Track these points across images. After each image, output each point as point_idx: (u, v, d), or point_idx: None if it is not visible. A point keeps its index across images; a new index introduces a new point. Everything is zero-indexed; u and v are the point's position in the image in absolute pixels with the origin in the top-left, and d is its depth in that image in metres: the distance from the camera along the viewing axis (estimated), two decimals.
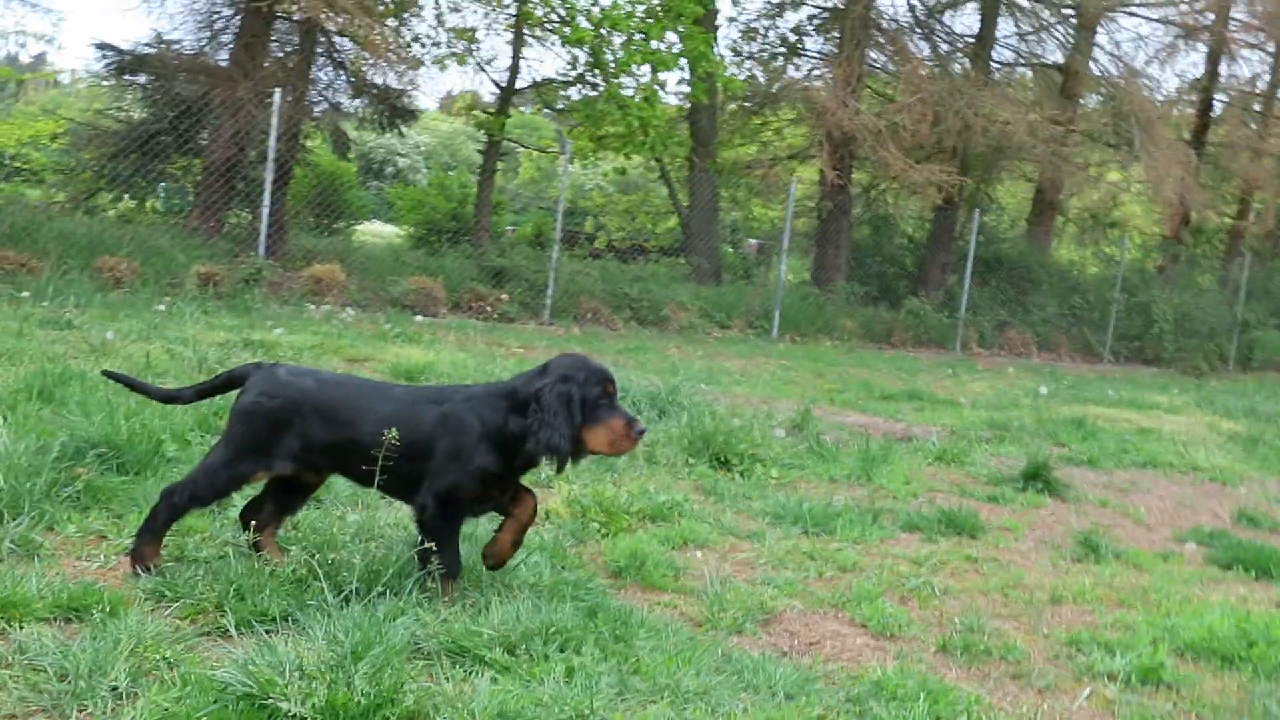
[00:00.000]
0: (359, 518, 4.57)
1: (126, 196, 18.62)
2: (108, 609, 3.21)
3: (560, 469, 3.70)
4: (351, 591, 3.53)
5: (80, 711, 2.75)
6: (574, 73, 19.04)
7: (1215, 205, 26.83)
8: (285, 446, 3.74)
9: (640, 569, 4.44)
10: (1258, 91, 27.78)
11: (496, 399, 3.72)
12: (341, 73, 19.13)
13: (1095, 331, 22.10)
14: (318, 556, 3.64)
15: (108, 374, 4.36)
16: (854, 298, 20.34)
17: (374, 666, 2.86)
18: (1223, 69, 27.42)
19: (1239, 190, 27.84)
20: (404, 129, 20.83)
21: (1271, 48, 26.62)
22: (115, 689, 2.82)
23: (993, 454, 8.51)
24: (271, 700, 2.70)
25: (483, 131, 18.99)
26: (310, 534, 4.13)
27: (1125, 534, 6.30)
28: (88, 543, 4.03)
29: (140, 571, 3.67)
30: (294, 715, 2.66)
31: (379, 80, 18.84)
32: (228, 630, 3.29)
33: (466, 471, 3.66)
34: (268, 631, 3.28)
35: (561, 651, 3.36)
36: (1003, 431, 9.67)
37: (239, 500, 4.56)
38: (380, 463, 3.60)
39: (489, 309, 15.36)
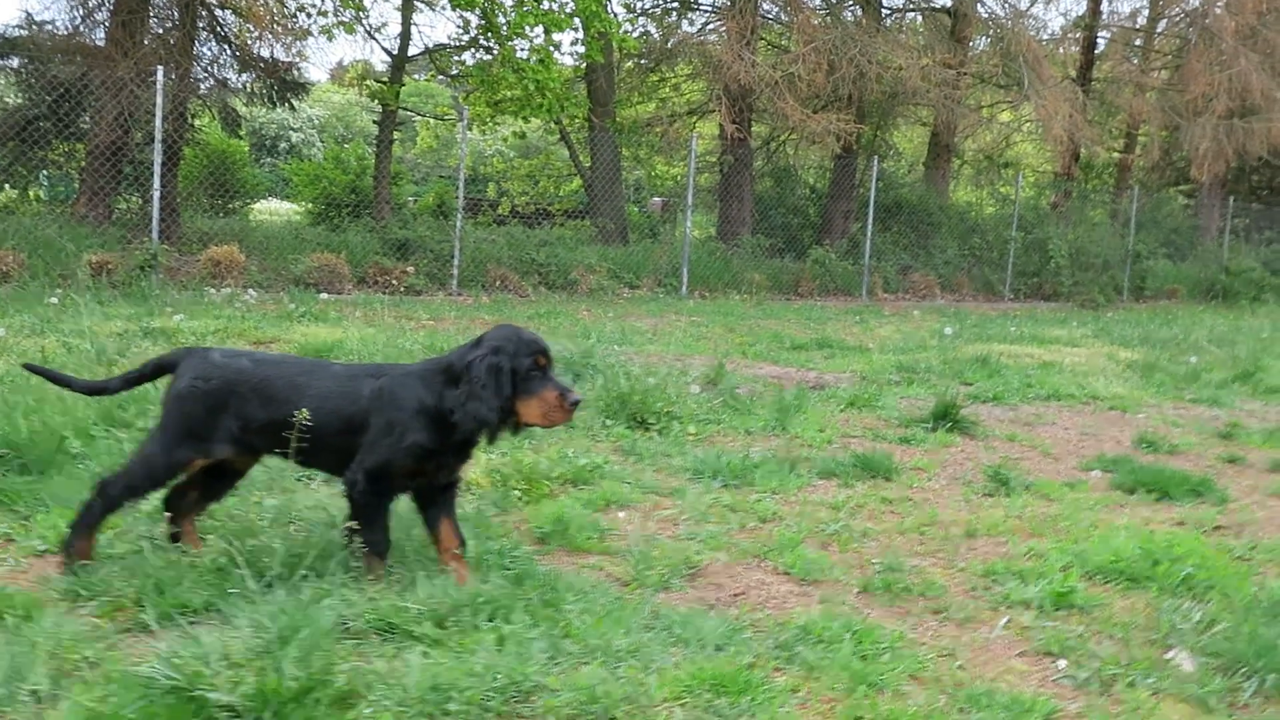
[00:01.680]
0: (277, 502, 4.50)
1: (7, 186, 17.94)
2: (21, 612, 3.14)
3: (491, 440, 3.64)
4: (274, 577, 3.49)
5: (0, 718, 2.68)
6: (466, 37, 18.78)
7: (1103, 140, 27.53)
8: (224, 429, 3.69)
9: (565, 533, 4.46)
10: (1138, 27, 28.51)
11: (433, 374, 3.66)
12: (226, 47, 18.62)
13: (995, 270, 22.60)
14: (237, 544, 3.59)
15: (29, 367, 4.20)
16: (760, 250, 20.48)
17: (302, 650, 2.84)
18: (1104, 6, 28.14)
19: (1125, 124, 28.61)
20: (295, 103, 20.38)
21: None
22: (35, 692, 2.77)
23: (902, 396, 8.68)
24: (200, 691, 2.67)
25: (376, 101, 18.63)
26: (228, 521, 4.06)
27: (1033, 466, 6.50)
28: None
29: (72, 568, 3.58)
30: (224, 705, 2.64)
31: (266, 53, 18.40)
32: (149, 625, 3.24)
33: (400, 448, 3.58)
34: (191, 623, 3.23)
35: (491, 621, 3.37)
36: (911, 374, 9.87)
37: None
38: (315, 440, 3.59)
39: (395, 282, 15.15)
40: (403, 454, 3.59)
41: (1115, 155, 29.99)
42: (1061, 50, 27.54)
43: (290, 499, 4.58)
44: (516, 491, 5.06)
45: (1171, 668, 3.58)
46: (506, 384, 3.53)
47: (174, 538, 3.84)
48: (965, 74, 22.45)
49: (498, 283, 16.21)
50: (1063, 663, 3.59)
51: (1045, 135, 22.90)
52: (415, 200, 25.31)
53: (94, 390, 4.19)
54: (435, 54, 20.55)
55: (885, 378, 9.63)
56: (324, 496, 4.67)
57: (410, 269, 15.54)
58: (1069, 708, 3.25)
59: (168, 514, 3.86)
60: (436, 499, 3.76)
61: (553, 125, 22.64)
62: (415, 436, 3.59)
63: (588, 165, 22.32)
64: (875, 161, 21.13)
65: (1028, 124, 26.62)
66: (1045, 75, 21.80)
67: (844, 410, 7.96)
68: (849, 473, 5.90)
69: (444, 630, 3.28)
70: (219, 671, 2.72)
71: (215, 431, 3.68)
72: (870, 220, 20.57)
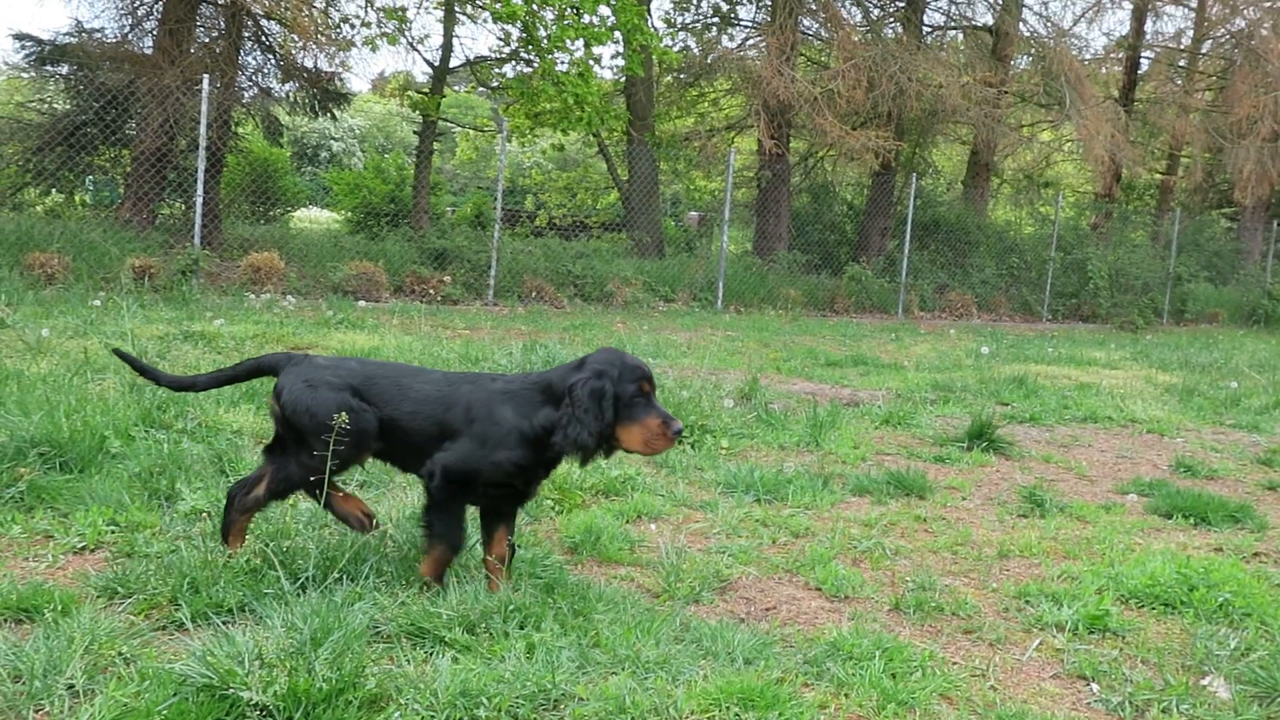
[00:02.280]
0: (312, 505, 4.54)
1: (54, 190, 18.23)
2: (59, 608, 3.18)
3: (584, 463, 3.62)
4: (308, 579, 3.52)
5: (37, 711, 2.72)
6: (507, 50, 18.93)
7: (1145, 161, 27.30)
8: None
9: (596, 544, 4.47)
10: (1182, 48, 28.28)
11: (532, 391, 3.64)
12: (270, 57, 18.84)
13: (1033, 291, 22.44)
14: (271, 545, 3.63)
15: (118, 353, 4.18)
16: (796, 266, 20.46)
17: (334, 652, 2.86)
18: (1148, 26, 27.92)
19: (1167, 146, 28.36)
20: (336, 112, 20.58)
21: (1194, 3, 27.08)
22: (72, 687, 2.80)
23: (938, 415, 8.63)
24: (232, 690, 2.69)
25: (417, 112, 18.79)
26: (263, 523, 4.10)
27: (1068, 488, 6.44)
28: (34, 543, 3.98)
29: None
30: (256, 704, 2.66)
31: (309, 63, 18.61)
32: (183, 624, 3.27)
33: (490, 460, 3.56)
34: (224, 623, 3.27)
35: (521, 629, 3.38)
36: (947, 393, 9.82)
37: (188, 494, 4.54)
38: (411, 442, 3.67)
39: (432, 291, 15.25)
40: (491, 467, 3.56)
41: (1157, 176, 29.73)
42: (1104, 70, 27.39)
43: None
44: (549, 501, 5.07)
45: (1207, 695, 3.53)
46: (609, 409, 3.48)
47: (225, 529, 3.86)
48: (1006, 92, 22.35)
49: (533, 294, 16.28)
50: (1095, 687, 3.55)
51: (1086, 155, 22.74)
52: (453, 210, 25.48)
53: (180, 386, 4.14)
54: (476, 66, 20.70)
55: (921, 396, 9.57)
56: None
57: (447, 278, 15.64)
58: None
59: (229, 500, 3.87)
60: (502, 507, 3.75)
61: (591, 138, 22.74)
62: (507, 453, 3.56)
63: (625, 178, 22.39)
64: (914, 179, 21.06)
65: (1068, 144, 26.45)
66: (1087, 95, 21.67)
67: (878, 428, 7.92)
68: (882, 490, 5.87)
69: (474, 636, 3.29)
70: (251, 671, 2.74)
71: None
72: (907, 238, 20.49)
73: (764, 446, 6.85)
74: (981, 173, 24.88)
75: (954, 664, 3.62)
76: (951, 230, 22.64)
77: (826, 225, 23.36)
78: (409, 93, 19.21)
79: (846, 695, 3.23)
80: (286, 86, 19.63)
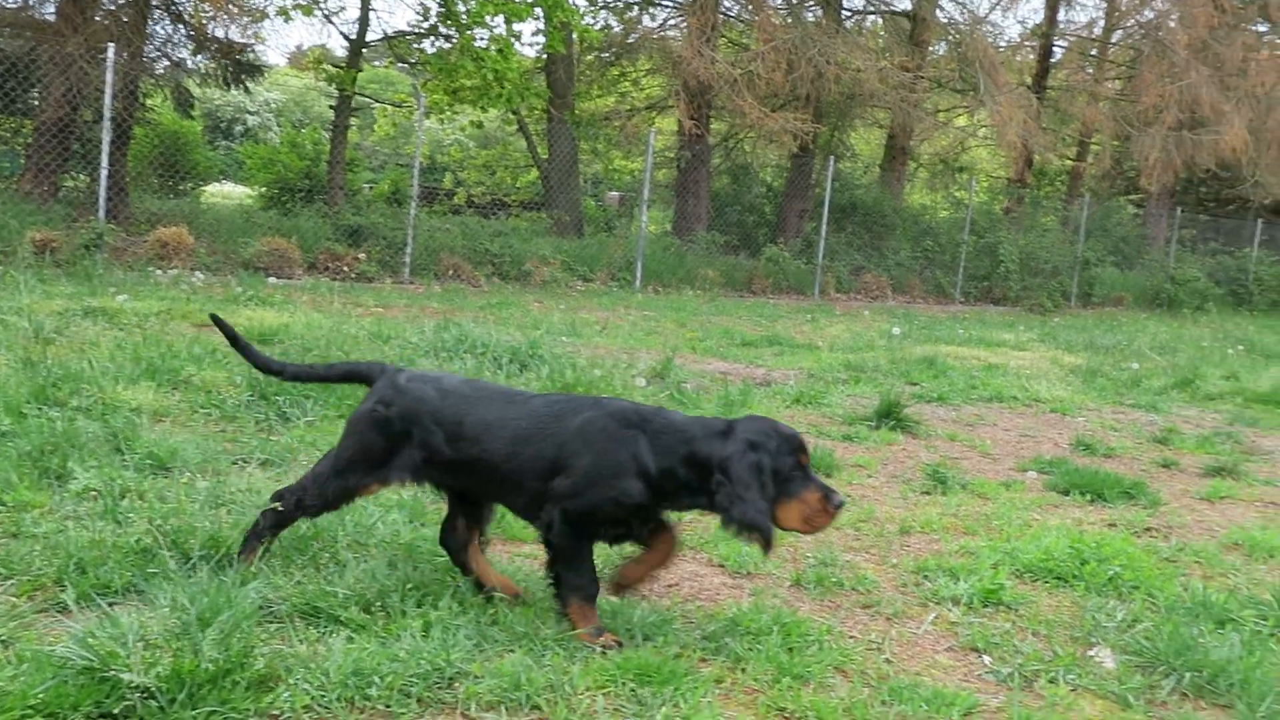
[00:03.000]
0: (209, 484, 4.45)
1: None
2: None
3: (768, 548, 3.19)
4: (199, 559, 3.45)
5: None
6: (426, 25, 18.66)
7: (1056, 148, 27.88)
8: (405, 459, 3.46)
9: (501, 522, 4.44)
10: (1093, 37, 28.89)
11: (669, 438, 3.30)
12: (180, 26, 18.35)
13: (947, 273, 22.81)
14: (161, 525, 3.55)
15: (214, 319, 3.96)
16: (715, 247, 20.55)
17: (222, 632, 2.81)
18: (1061, 15, 28.47)
19: (1078, 133, 28.98)
20: (250, 85, 20.12)
21: None
22: None
23: (848, 395, 8.74)
24: (113, 672, 2.63)
25: (333, 86, 18.45)
26: (156, 503, 4.01)
27: (971, 465, 6.57)
28: None
29: (241, 573, 3.40)
30: (137, 686, 2.60)
31: (221, 34, 18.13)
32: (67, 605, 3.18)
33: (609, 498, 3.27)
34: (110, 604, 3.19)
35: (419, 607, 3.35)
36: (858, 373, 9.95)
37: (81, 473, 4.42)
38: (510, 482, 3.38)
39: (346, 269, 15.03)
40: (610, 504, 3.28)
41: (1068, 163, 30.38)
42: (1018, 57, 27.86)
43: (222, 481, 4.53)
44: None
45: (1093, 665, 3.63)
46: (770, 486, 3.17)
47: (465, 570, 3.61)
48: (922, 78, 22.64)
49: (450, 272, 16.13)
50: (987, 658, 3.64)
51: (999, 141, 23.14)
52: (370, 187, 25.11)
53: (268, 368, 3.94)
54: (394, 41, 20.39)
55: (833, 376, 9.69)
56: (258, 480, 4.63)
57: (362, 255, 15.42)
58: (990, 702, 3.28)
59: (446, 550, 3.69)
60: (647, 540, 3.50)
61: (511, 116, 22.57)
62: (630, 494, 3.27)
63: (545, 157, 22.26)
64: (831, 162, 21.25)
65: (983, 129, 26.88)
66: (1001, 81, 22.04)
67: (789, 407, 8.00)
68: None
69: (370, 615, 3.26)
70: (134, 652, 2.68)
71: (394, 460, 3.47)
72: (824, 220, 20.69)
73: None
74: (898, 156, 25.20)
75: (851, 638, 3.68)
76: (868, 213, 22.91)
77: (746, 207, 23.48)
78: (324, 65, 18.86)
79: (743, 670, 3.26)
80: (197, 57, 19.14)
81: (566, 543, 3.29)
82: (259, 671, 2.77)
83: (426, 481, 3.54)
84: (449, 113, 19.77)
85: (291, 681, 2.79)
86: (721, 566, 4.26)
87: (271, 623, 3.18)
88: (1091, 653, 3.72)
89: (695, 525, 4.75)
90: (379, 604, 3.32)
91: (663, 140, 25.06)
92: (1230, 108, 23.20)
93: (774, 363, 10.49)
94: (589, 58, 23.41)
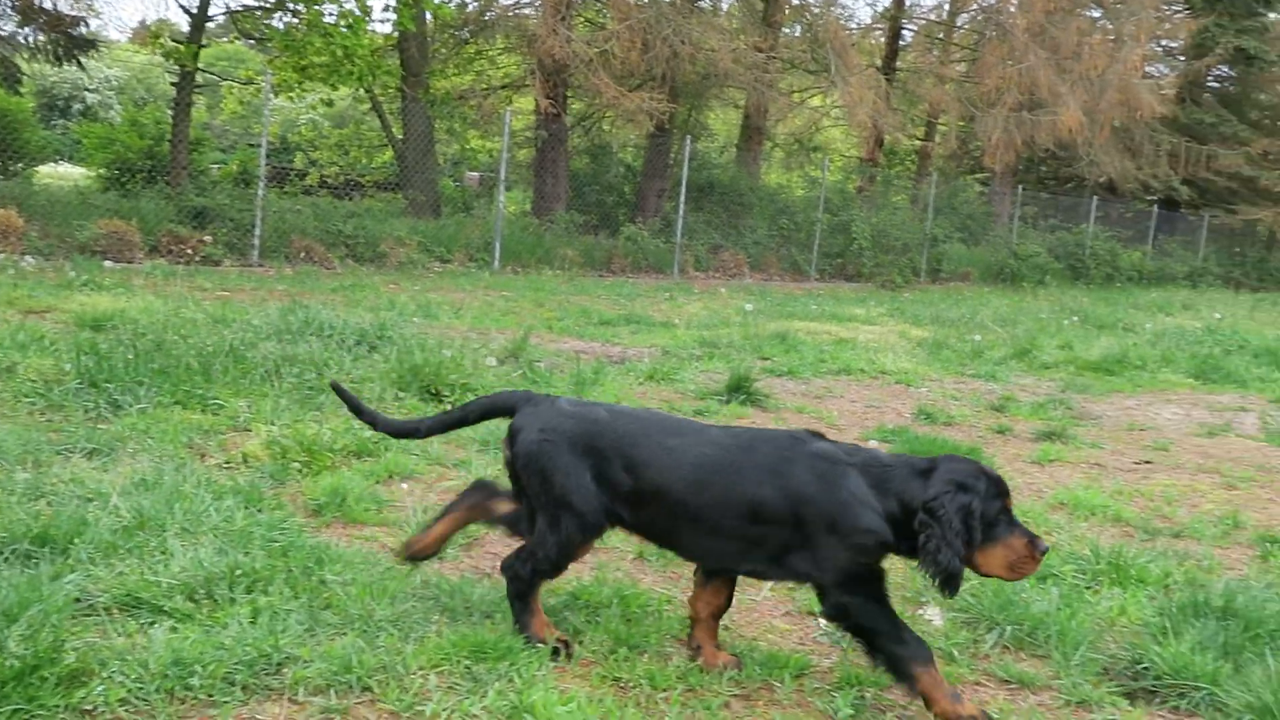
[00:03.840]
0: (29, 476, 4.25)
1: None
2: None
3: (954, 593, 3.01)
4: (10, 553, 3.29)
5: None
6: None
7: (905, 128, 28.65)
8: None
9: (342, 505, 4.37)
10: (940, 20, 29.78)
11: (887, 475, 3.08)
12: None
13: (802, 251, 23.25)
14: None
15: (335, 387, 3.74)
16: (574, 227, 20.51)
17: (30, 627, 2.68)
18: None
19: (925, 113, 29.82)
20: (84, 60, 19.18)
21: None
22: None
23: (701, 370, 8.85)
24: None
25: (173, 62, 17.73)
26: None
27: None
28: None
29: (559, 650, 3.18)
30: None
31: (49, 6, 17.23)
32: None
33: (862, 540, 3.02)
34: None
35: (249, 594, 3.27)
36: (712, 349, 10.08)
37: None
38: (700, 522, 3.11)
39: (191, 252, 14.51)
40: (871, 544, 3.04)
41: (917, 142, 31.26)
42: (869, 40, 28.52)
43: (44, 473, 4.34)
44: (296, 464, 4.91)
45: (922, 623, 3.76)
46: (978, 530, 2.98)
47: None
48: (776, 58, 22.96)
49: (302, 254, 15.72)
50: (822, 622, 3.73)
51: (851, 121, 23.67)
52: (219, 167, 24.26)
53: (402, 432, 3.80)
54: (239, 16, 19.70)
55: (688, 352, 9.79)
56: (83, 469, 4.44)
57: (208, 238, 14.91)
58: (822, 663, 3.37)
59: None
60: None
61: (363, 94, 22.07)
62: (877, 534, 3.03)
63: (400, 137, 21.86)
64: (688, 141, 21.42)
65: (836, 110, 27.44)
66: (852, 63, 22.50)
67: (642, 383, 8.05)
68: None
69: (195, 604, 3.16)
70: None
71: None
72: (683, 199, 20.85)
73: None
74: (754, 136, 25.54)
75: (687, 607, 3.72)
76: (726, 192, 23.18)
77: (605, 186, 23.49)
78: (161, 40, 18.08)
79: (582, 643, 3.27)
80: (25, 31, 18.14)
81: (868, 610, 3.03)
82: (70, 666, 2.66)
83: (611, 520, 3.23)
84: (298, 91, 19.20)
85: (106, 675, 2.69)
86: None
87: (89, 615, 3.06)
88: (921, 611, 3.86)
89: None
90: (205, 592, 3.23)
91: (522, 120, 24.86)
92: (1066, 90, 24.17)
93: (631, 340, 10.54)
94: (445, 35, 23.04)
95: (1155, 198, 33.56)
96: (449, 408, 6.36)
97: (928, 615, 3.79)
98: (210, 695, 2.72)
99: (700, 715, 2.91)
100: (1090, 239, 28.79)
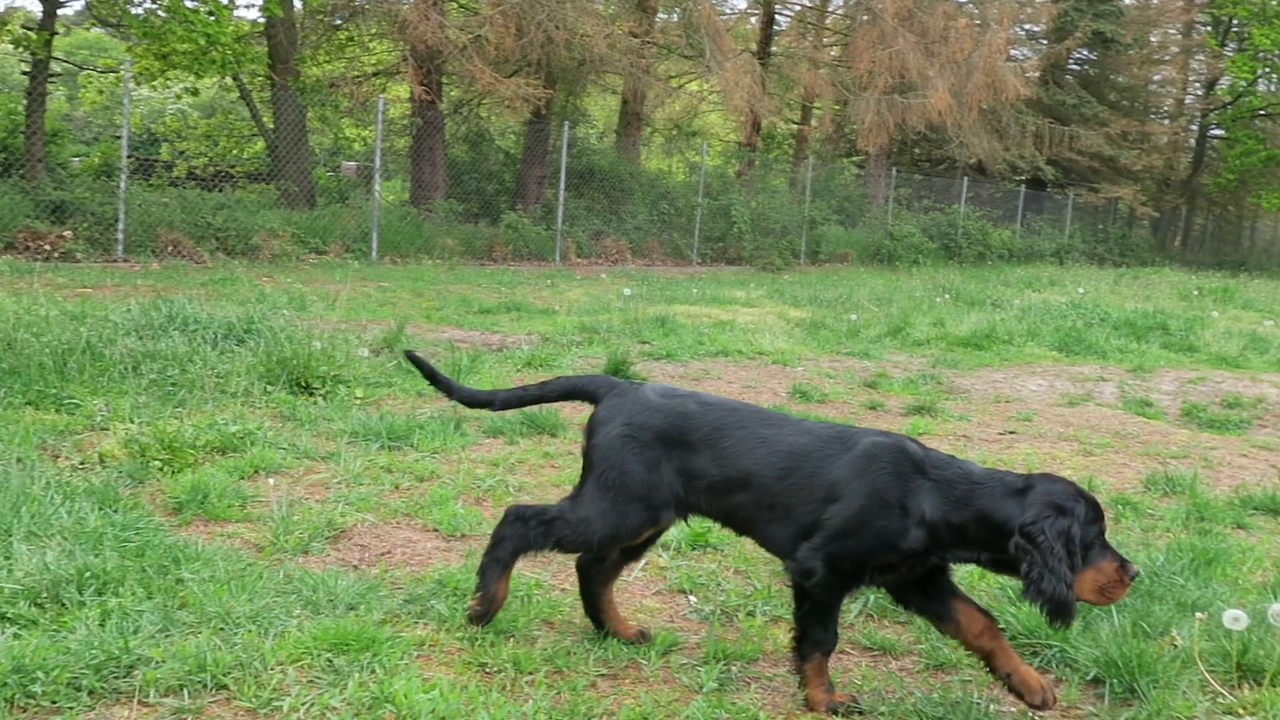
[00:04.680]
0: None
1: None
2: None
3: (1067, 624, 2.86)
4: None
5: None
6: None
7: (781, 112, 29.02)
8: (667, 488, 3.14)
9: (203, 502, 4.25)
10: (812, 5, 30.21)
11: (966, 489, 2.97)
12: None
13: (684, 235, 23.40)
14: None
15: (410, 356, 3.69)
16: (454, 215, 20.30)
17: None
18: None
19: (801, 98, 30.27)
20: None
21: None
22: None
23: (580, 356, 8.84)
24: None
25: (25, 50, 16.97)
26: None
27: None
28: None
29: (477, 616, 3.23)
30: None
31: None
32: None
33: (883, 541, 2.95)
34: None
35: (99, 596, 3.16)
36: (592, 334, 10.07)
37: None
38: (779, 509, 3.04)
39: (49, 248, 13.93)
40: (883, 549, 2.96)
41: (793, 126, 31.72)
42: (744, 25, 28.79)
43: None
44: (157, 462, 4.76)
45: (788, 594, 3.82)
46: (1079, 556, 2.86)
47: (595, 613, 3.35)
48: (651, 44, 23.03)
49: (170, 249, 15.23)
50: (693, 598, 3.77)
51: (727, 106, 23.87)
52: (79, 160, 23.33)
53: (476, 401, 3.73)
54: (96, 2, 18.94)
55: (567, 338, 9.76)
56: None
57: (68, 234, 14.34)
58: (690, 639, 3.40)
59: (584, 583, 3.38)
60: (926, 587, 3.10)
61: (231, 82, 21.46)
62: (910, 542, 2.94)
63: (271, 126, 21.31)
64: (567, 128, 21.35)
65: (713, 95, 27.66)
66: (726, 48, 22.69)
67: (520, 370, 8.01)
68: (515, 430, 5.94)
69: (40, 609, 3.04)
70: None
71: (659, 492, 3.14)
72: (562, 186, 20.79)
73: (402, 394, 6.76)
74: (633, 122, 25.59)
75: (561, 590, 3.73)
76: (606, 178, 23.19)
77: (484, 174, 23.29)
78: (10, 28, 17.29)
79: (447, 630, 3.25)
80: None
81: (826, 596, 2.98)
82: None
83: (684, 511, 3.21)
84: (161, 80, 18.58)
85: None
86: (435, 531, 4.23)
87: None
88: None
89: (413, 492, 4.69)
90: (52, 596, 3.11)
91: (398, 108, 24.48)
92: (935, 73, 24.78)
93: (511, 328, 10.47)
94: (314, 21, 22.53)
95: (1023, 178, 34.66)
96: (319, 401, 6.25)
97: None
98: (54, 702, 2.63)
99: (565, 696, 2.91)
100: (962, 219, 29.60)
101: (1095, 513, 2.92)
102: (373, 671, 2.89)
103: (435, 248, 18.57)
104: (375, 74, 23.52)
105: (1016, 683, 2.97)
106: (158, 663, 2.81)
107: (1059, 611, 2.79)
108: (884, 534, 2.91)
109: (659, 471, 3.11)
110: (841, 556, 2.92)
